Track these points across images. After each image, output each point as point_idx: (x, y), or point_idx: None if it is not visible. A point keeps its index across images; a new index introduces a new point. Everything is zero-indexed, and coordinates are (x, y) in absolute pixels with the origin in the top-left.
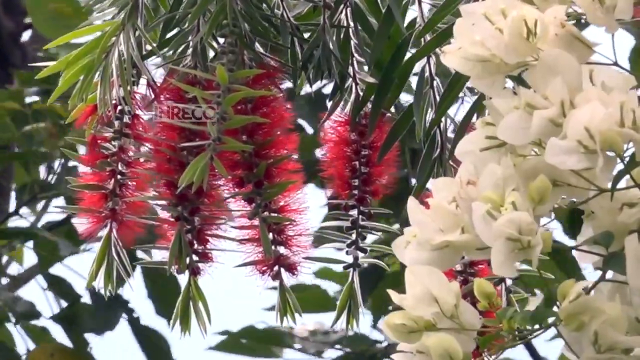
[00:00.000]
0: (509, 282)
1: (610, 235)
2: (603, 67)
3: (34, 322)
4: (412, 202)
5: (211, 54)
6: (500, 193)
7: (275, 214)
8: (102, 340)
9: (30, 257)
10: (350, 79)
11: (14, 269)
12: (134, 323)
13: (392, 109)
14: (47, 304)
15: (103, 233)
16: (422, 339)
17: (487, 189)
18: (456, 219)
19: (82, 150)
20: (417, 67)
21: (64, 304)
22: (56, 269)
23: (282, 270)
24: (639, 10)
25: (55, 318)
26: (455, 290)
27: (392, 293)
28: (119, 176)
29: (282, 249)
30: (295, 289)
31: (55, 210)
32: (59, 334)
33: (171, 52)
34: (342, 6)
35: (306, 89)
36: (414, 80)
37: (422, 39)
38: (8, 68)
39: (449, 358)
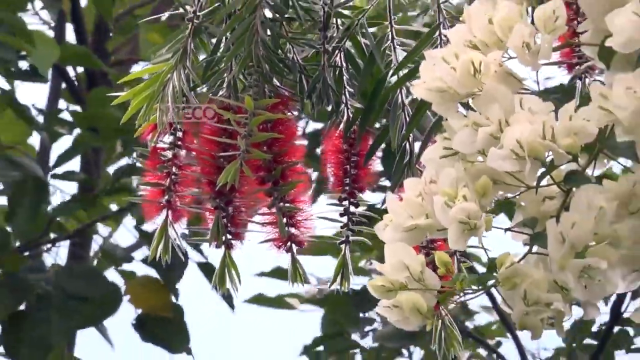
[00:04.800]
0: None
1: (536, 220)
2: (529, 96)
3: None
4: (389, 196)
5: (240, 87)
6: (455, 189)
7: (288, 204)
8: None
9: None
10: (343, 105)
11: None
12: (201, 265)
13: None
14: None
15: (161, 218)
16: (397, 296)
17: (444, 186)
18: (422, 208)
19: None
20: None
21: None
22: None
23: (293, 245)
24: (560, 54)
25: (145, 261)
26: (421, 260)
27: (375, 263)
28: (172, 176)
29: (293, 230)
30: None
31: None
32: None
33: (211, 85)
34: (337, 51)
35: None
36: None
37: (397, 75)
38: None
39: (416, 310)
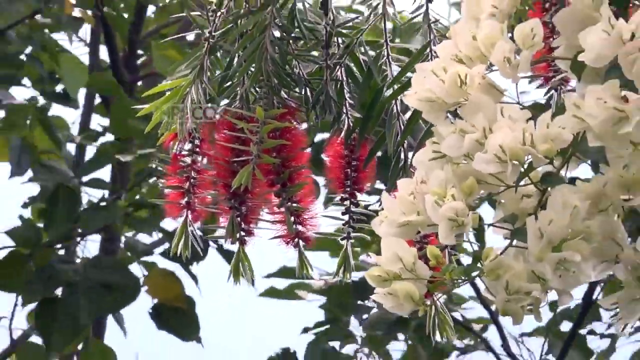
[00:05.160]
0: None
1: (516, 217)
2: (510, 105)
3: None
4: (384, 195)
5: (251, 98)
6: (443, 189)
7: (295, 204)
8: None
9: None
10: (344, 115)
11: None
12: (221, 250)
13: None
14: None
15: (181, 217)
16: (392, 285)
17: (434, 186)
18: (414, 206)
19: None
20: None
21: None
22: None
23: (300, 241)
24: (537, 68)
25: (164, 254)
26: (413, 253)
27: (372, 255)
28: (191, 180)
29: (300, 227)
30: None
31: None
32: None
33: (226, 98)
34: (338, 67)
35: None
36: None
37: (392, 88)
38: None
39: (409, 297)
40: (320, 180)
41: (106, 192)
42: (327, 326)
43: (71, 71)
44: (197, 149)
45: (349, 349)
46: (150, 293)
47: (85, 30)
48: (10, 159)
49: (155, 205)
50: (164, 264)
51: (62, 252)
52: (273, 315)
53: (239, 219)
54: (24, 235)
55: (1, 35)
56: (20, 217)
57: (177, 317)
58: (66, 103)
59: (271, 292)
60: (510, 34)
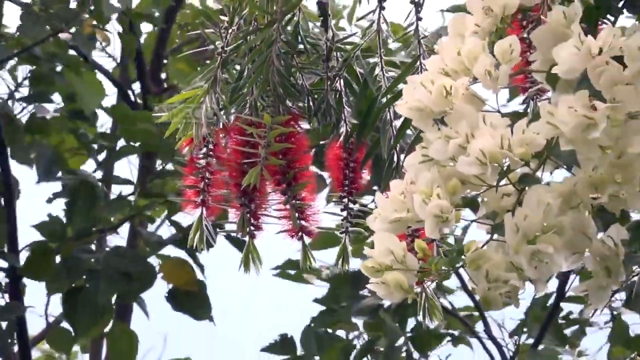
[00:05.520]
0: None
1: (496, 213)
2: (491, 113)
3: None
4: (378, 195)
5: (260, 107)
6: (430, 189)
7: (299, 202)
8: None
9: None
10: (342, 122)
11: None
12: (231, 237)
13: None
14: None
15: (197, 214)
16: (384, 275)
17: (422, 186)
18: (404, 204)
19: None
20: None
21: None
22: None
23: (304, 235)
24: (516, 80)
25: (176, 244)
26: (403, 246)
27: (367, 249)
28: (206, 180)
29: (303, 222)
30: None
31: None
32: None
33: (237, 106)
34: (337, 78)
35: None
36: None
37: (385, 97)
38: None
39: (399, 286)
40: (326, 176)
41: (126, 189)
42: (323, 311)
43: (88, 90)
44: (211, 152)
45: (342, 334)
46: (166, 279)
47: (114, 46)
48: (40, 167)
49: (171, 202)
50: (177, 253)
51: (92, 245)
52: (279, 302)
53: (248, 214)
54: (51, 229)
55: (28, 53)
56: (49, 214)
57: (190, 299)
58: (84, 120)
59: (284, 275)
60: (491, 50)
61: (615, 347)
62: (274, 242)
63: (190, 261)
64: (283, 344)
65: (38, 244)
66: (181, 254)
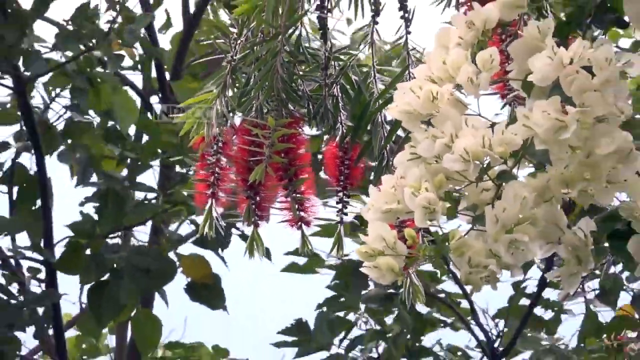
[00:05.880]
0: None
1: (477, 206)
2: (472, 116)
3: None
4: (372, 189)
5: (265, 110)
6: (419, 183)
7: (299, 195)
8: None
9: None
10: (339, 124)
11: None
12: (244, 236)
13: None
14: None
15: (208, 205)
16: (376, 260)
17: (411, 181)
18: (395, 197)
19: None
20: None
21: None
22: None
23: (303, 225)
24: (495, 87)
25: (195, 242)
26: (394, 234)
27: (361, 235)
28: (216, 175)
29: (302, 213)
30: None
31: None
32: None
33: (244, 109)
34: (334, 85)
35: None
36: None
37: (378, 102)
38: None
39: (390, 270)
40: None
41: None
42: (333, 297)
43: (123, 109)
44: (221, 150)
45: (351, 318)
46: (185, 273)
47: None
48: (78, 171)
49: (189, 204)
50: (196, 250)
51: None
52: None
53: (254, 206)
54: (82, 227)
55: (63, 71)
56: (81, 212)
57: (206, 291)
58: (120, 137)
59: (292, 268)
60: (473, 60)
61: (587, 333)
62: (278, 236)
63: (207, 256)
64: (298, 327)
65: (72, 242)
66: (199, 250)
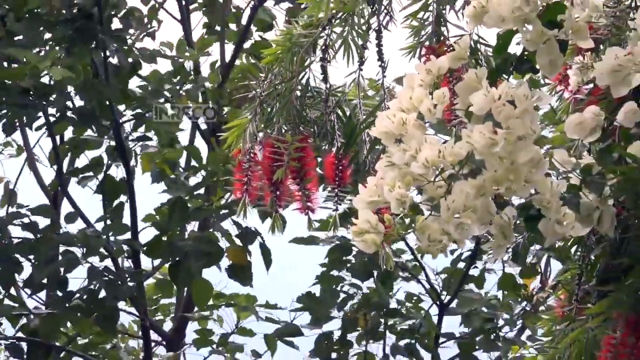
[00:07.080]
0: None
1: (434, 198)
2: (431, 136)
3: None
4: (360, 186)
5: (283, 130)
6: (393, 182)
7: (307, 191)
8: None
9: None
10: (335, 140)
11: None
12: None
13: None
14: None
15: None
16: (364, 236)
17: (388, 181)
18: (377, 192)
19: None
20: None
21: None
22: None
23: (309, 211)
24: (446, 114)
25: (237, 236)
26: (375, 218)
27: (354, 220)
28: (248, 176)
29: (309, 203)
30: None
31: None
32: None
33: (269, 130)
34: (332, 113)
35: None
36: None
37: (362, 126)
38: None
39: (374, 243)
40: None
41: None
42: (325, 272)
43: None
44: (252, 159)
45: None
46: (228, 258)
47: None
48: (153, 178)
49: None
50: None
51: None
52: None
53: (275, 198)
54: (160, 225)
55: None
56: (156, 212)
57: (241, 272)
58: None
59: (298, 240)
60: (431, 95)
61: (503, 285)
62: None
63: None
64: (308, 296)
65: (155, 237)
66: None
